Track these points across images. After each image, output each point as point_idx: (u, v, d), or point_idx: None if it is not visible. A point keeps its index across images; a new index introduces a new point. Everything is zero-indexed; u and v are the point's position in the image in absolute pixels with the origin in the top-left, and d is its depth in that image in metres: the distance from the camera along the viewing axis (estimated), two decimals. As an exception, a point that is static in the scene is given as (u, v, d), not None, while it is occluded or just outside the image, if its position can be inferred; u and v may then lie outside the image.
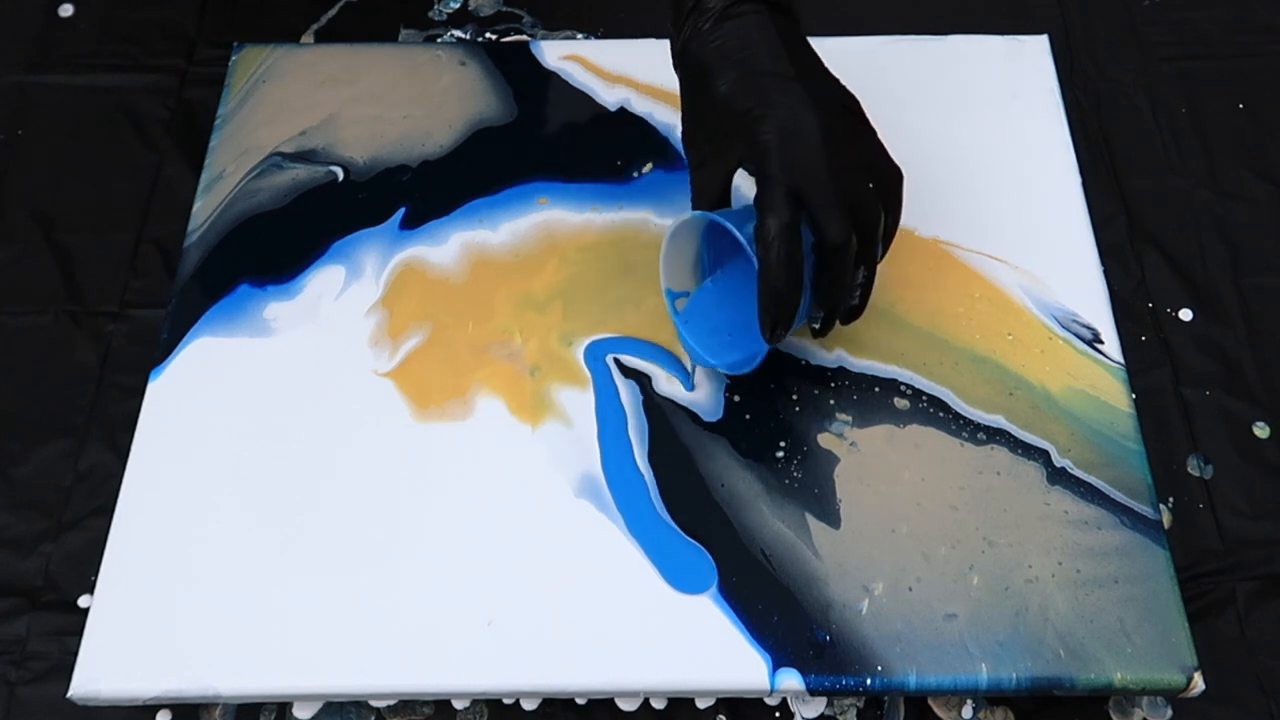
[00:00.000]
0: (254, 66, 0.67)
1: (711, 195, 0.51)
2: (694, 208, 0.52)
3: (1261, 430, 0.60)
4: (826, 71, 0.51)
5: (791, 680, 0.49)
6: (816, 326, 0.54)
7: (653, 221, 0.61)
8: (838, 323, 0.54)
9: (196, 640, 0.50)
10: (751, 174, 0.49)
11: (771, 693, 0.49)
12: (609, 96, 0.66)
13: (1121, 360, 0.57)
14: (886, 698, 0.53)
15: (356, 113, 0.65)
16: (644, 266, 0.60)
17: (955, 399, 0.56)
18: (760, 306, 0.49)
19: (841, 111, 0.50)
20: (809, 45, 0.51)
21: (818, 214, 0.47)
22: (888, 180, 0.51)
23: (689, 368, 0.56)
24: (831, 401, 0.56)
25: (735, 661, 0.49)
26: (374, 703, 0.53)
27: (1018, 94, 0.66)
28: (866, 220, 0.49)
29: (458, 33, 0.74)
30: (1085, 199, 0.62)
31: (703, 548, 0.52)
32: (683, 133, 0.53)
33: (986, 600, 0.50)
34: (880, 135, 0.65)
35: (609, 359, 0.57)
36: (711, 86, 0.49)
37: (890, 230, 0.52)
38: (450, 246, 0.61)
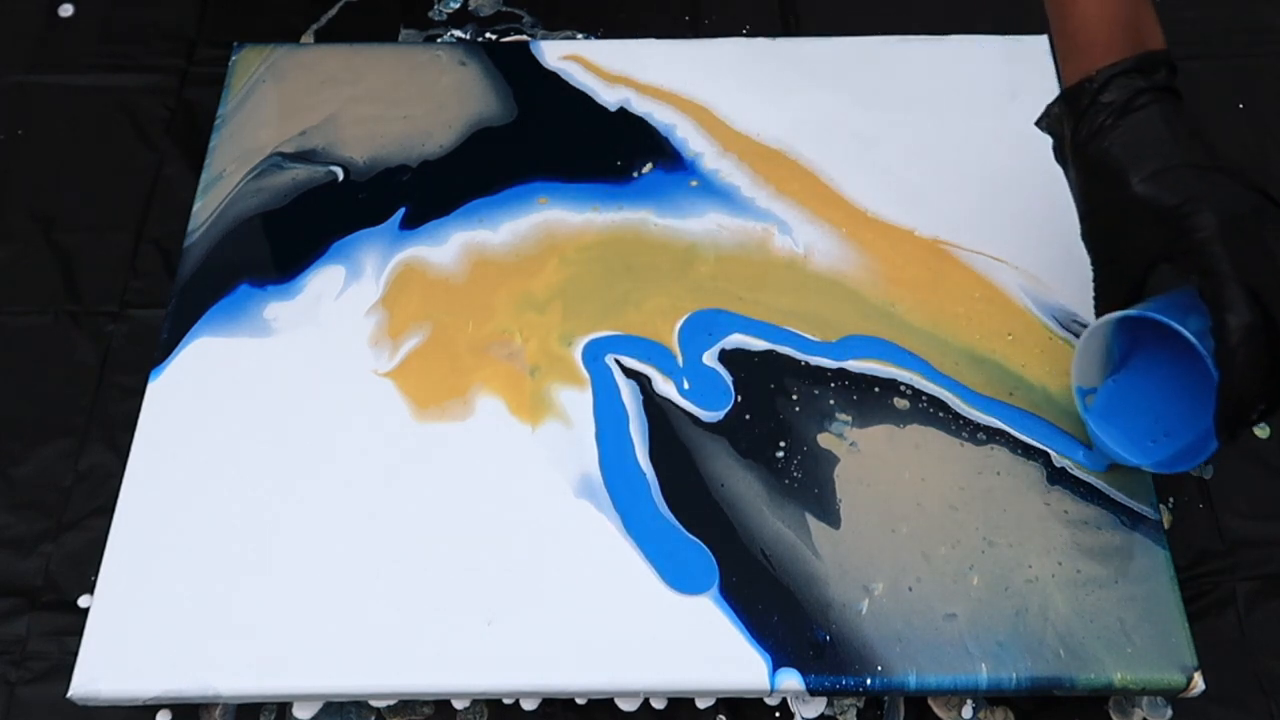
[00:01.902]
0: (254, 66, 0.67)
1: (1124, 291, 0.49)
2: (1100, 303, 0.51)
3: (1261, 430, 0.60)
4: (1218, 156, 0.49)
5: (791, 680, 0.49)
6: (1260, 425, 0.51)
7: (652, 221, 0.61)
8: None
9: (196, 640, 0.50)
10: (1180, 270, 0.47)
11: (771, 693, 0.49)
12: (609, 96, 0.66)
13: (1121, 360, 0.57)
14: (886, 698, 0.53)
15: (356, 113, 0.65)
16: (644, 267, 0.60)
17: (955, 399, 0.56)
18: (1219, 409, 0.45)
19: (1260, 197, 0.47)
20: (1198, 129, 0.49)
21: (1277, 310, 0.44)
22: None
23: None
24: (831, 401, 0.56)
25: (735, 661, 0.49)
26: (374, 703, 0.53)
27: (1018, 94, 0.66)
28: None
29: (458, 33, 0.74)
30: (1085, 199, 0.62)
31: (704, 546, 0.52)
32: (1084, 230, 0.51)
33: (986, 600, 0.50)
34: (881, 136, 0.66)
35: (610, 359, 0.57)
36: (1123, 183, 0.47)
37: None
38: (450, 246, 0.61)
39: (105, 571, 0.52)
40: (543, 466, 0.54)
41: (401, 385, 0.56)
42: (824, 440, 0.55)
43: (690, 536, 0.52)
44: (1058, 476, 0.53)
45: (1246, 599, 0.56)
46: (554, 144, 0.64)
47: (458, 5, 0.75)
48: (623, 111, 0.65)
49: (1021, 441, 0.54)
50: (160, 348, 0.57)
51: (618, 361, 0.57)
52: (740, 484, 0.53)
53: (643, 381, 0.56)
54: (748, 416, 0.55)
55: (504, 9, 0.75)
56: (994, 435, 0.55)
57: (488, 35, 0.73)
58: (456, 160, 0.64)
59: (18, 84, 0.71)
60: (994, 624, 0.50)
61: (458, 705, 0.53)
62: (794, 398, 0.56)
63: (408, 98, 0.66)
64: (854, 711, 0.53)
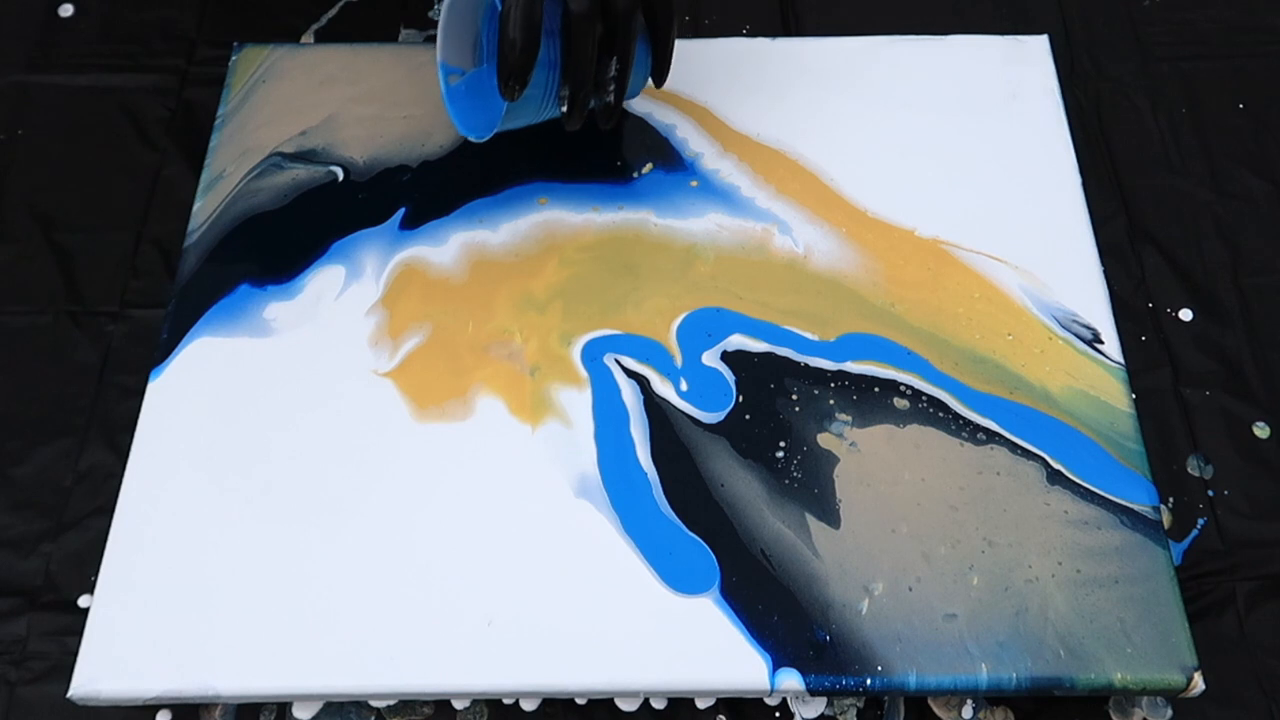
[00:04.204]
0: (254, 66, 0.67)
1: None
2: None
3: (1261, 430, 0.60)
4: None
5: (791, 680, 0.49)
6: (564, 110, 0.56)
7: (653, 221, 0.61)
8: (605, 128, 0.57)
9: (196, 640, 0.50)
10: None
11: (771, 693, 0.49)
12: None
13: (1121, 360, 0.57)
14: (886, 698, 0.53)
15: (356, 113, 0.65)
16: (644, 267, 0.60)
17: (955, 399, 0.56)
18: (498, 61, 0.52)
19: None
20: None
21: None
22: None
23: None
24: (831, 401, 0.56)
25: (735, 661, 0.49)
26: (374, 703, 0.53)
27: (1018, 94, 0.66)
28: (616, 4, 0.52)
29: (458, 33, 0.73)
30: (1085, 199, 0.62)
31: (704, 546, 0.52)
32: None
33: (986, 600, 0.50)
34: (881, 136, 0.65)
35: (610, 359, 0.57)
36: None
37: (662, 40, 0.56)
38: (450, 246, 0.61)
39: (105, 571, 0.52)
40: (543, 466, 0.54)
41: (401, 385, 0.56)
42: (824, 440, 0.55)
43: (690, 536, 0.52)
44: (1057, 476, 0.53)
45: (1246, 599, 0.56)
46: (554, 144, 0.64)
47: (458, 5, 0.75)
48: (624, 111, 0.65)
49: (1021, 442, 0.54)
50: (160, 348, 0.57)
51: (618, 361, 0.57)
52: (740, 484, 0.53)
53: (643, 381, 0.56)
54: (748, 417, 0.55)
55: (504, 9, 0.75)
56: (994, 435, 0.55)
57: (488, 35, 0.73)
58: (456, 160, 0.64)
59: (18, 84, 0.71)
60: (994, 624, 0.50)
61: (458, 705, 0.53)
62: (794, 398, 0.56)
63: (408, 98, 0.66)
64: (854, 711, 0.53)
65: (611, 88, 0.56)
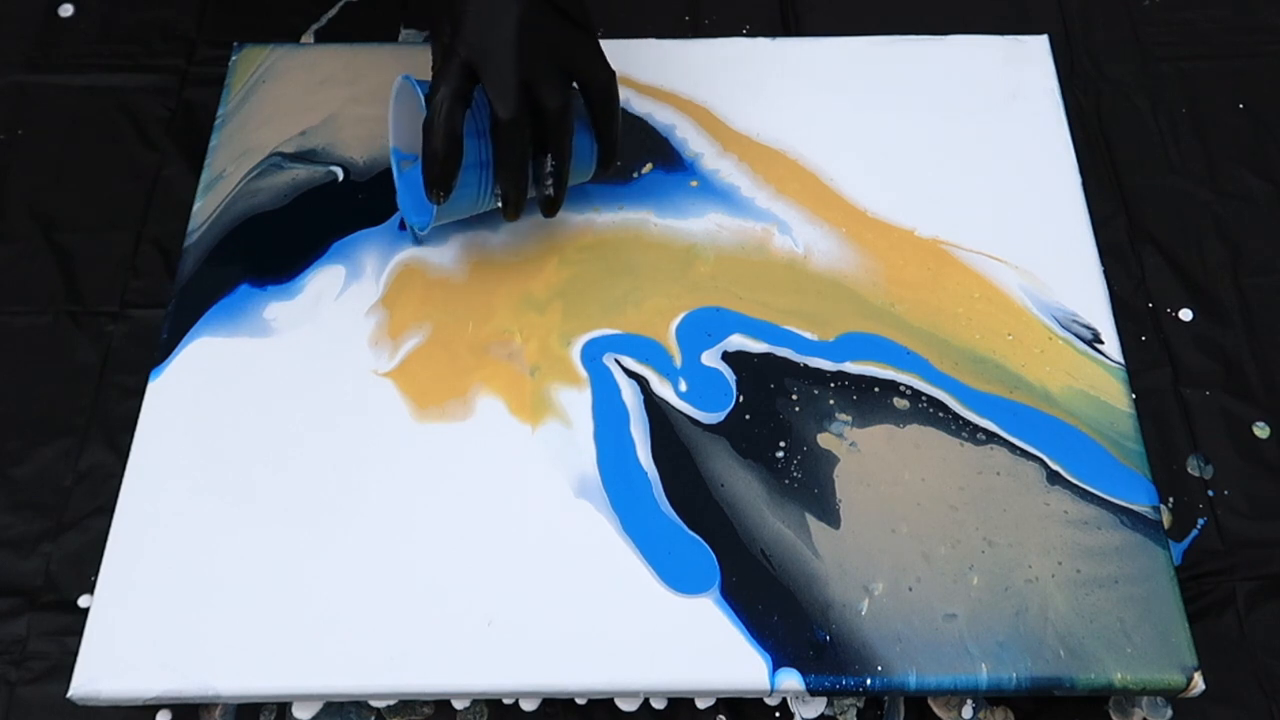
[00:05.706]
0: (254, 66, 0.67)
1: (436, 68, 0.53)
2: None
3: (1261, 430, 0.60)
4: None
5: (791, 680, 0.49)
6: (500, 206, 0.56)
7: (653, 221, 0.61)
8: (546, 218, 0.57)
9: (196, 640, 0.50)
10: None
11: (771, 693, 0.49)
12: (609, 96, 0.66)
13: (1121, 360, 0.57)
14: (886, 698, 0.53)
15: (356, 113, 0.65)
16: (644, 267, 0.60)
17: (955, 399, 0.56)
18: (423, 167, 0.51)
19: (547, 7, 0.52)
20: None
21: (487, 88, 0.50)
22: (589, 78, 0.53)
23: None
24: (831, 401, 0.56)
25: (735, 661, 0.49)
26: (374, 703, 0.53)
27: (1018, 94, 0.66)
28: (546, 104, 0.51)
29: (458, 33, 0.73)
30: (1085, 199, 0.62)
31: (705, 546, 0.52)
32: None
33: (986, 600, 0.50)
34: (881, 136, 0.65)
35: (610, 359, 0.57)
36: None
37: (604, 130, 0.55)
38: (450, 246, 0.61)
39: (105, 571, 0.52)
40: (543, 466, 0.54)
41: (401, 385, 0.56)
42: (824, 440, 0.55)
43: (690, 536, 0.52)
44: (1057, 476, 0.53)
45: (1246, 599, 0.56)
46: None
47: (458, 5, 0.75)
48: (623, 111, 0.65)
49: (1021, 442, 0.54)
50: (160, 348, 0.57)
51: (617, 361, 0.57)
52: (740, 484, 0.53)
53: (643, 381, 0.56)
54: (748, 417, 0.55)
55: (504, 9, 0.75)
56: (994, 435, 0.55)
57: (488, 35, 0.73)
58: (456, 160, 0.64)
59: (18, 84, 0.71)
60: (994, 624, 0.50)
61: (458, 705, 0.53)
62: (794, 398, 0.56)
63: (408, 98, 0.66)
64: (854, 711, 0.53)
65: (550, 181, 0.55)
